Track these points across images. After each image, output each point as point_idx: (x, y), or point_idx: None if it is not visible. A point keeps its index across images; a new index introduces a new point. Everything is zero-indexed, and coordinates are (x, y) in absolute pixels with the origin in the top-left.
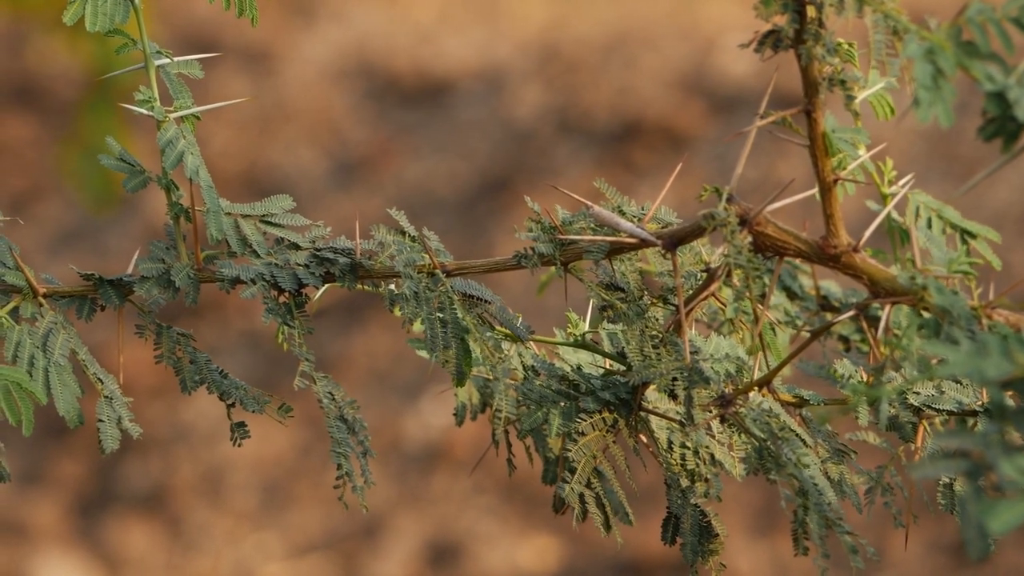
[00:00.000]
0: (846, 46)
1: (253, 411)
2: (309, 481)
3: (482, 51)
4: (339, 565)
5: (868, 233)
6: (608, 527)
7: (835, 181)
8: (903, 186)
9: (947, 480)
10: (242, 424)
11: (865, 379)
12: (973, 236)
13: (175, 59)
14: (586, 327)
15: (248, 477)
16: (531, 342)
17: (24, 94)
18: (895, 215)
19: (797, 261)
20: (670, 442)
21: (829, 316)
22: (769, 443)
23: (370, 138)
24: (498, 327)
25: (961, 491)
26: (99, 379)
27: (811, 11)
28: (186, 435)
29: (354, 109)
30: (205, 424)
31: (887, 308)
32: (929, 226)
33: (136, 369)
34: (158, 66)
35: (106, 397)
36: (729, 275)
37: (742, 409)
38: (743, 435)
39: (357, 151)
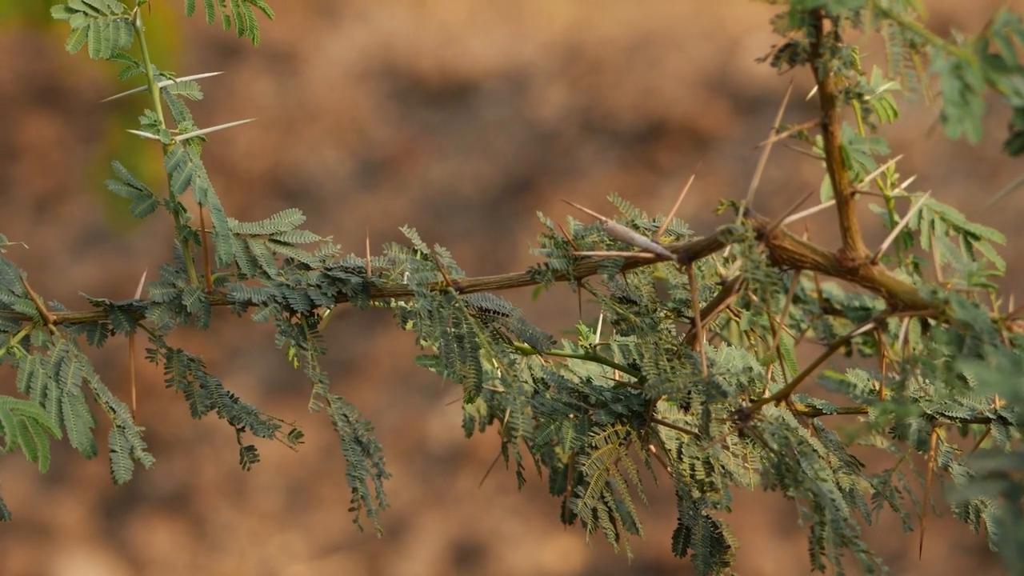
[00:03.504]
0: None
1: (263, 436)
2: (333, 482)
3: (506, 51)
4: (363, 565)
5: (885, 245)
6: (619, 540)
7: (852, 194)
8: (917, 190)
9: None
10: (251, 448)
11: (877, 389)
12: (977, 238)
13: (176, 80)
14: (596, 339)
15: (272, 478)
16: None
17: (48, 94)
18: (897, 218)
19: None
20: (680, 453)
21: (831, 319)
22: (787, 457)
23: (394, 138)
24: (516, 341)
25: (983, 505)
26: (111, 408)
27: (827, 25)
28: (210, 436)
29: (379, 109)
30: (229, 425)
31: (906, 321)
32: (932, 228)
33: (159, 369)
34: (161, 88)
35: (118, 426)
36: (746, 289)
37: (760, 423)
38: (758, 448)
39: (382, 151)
